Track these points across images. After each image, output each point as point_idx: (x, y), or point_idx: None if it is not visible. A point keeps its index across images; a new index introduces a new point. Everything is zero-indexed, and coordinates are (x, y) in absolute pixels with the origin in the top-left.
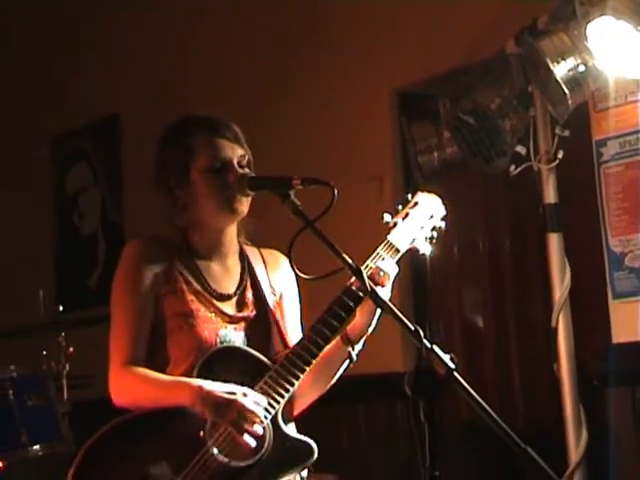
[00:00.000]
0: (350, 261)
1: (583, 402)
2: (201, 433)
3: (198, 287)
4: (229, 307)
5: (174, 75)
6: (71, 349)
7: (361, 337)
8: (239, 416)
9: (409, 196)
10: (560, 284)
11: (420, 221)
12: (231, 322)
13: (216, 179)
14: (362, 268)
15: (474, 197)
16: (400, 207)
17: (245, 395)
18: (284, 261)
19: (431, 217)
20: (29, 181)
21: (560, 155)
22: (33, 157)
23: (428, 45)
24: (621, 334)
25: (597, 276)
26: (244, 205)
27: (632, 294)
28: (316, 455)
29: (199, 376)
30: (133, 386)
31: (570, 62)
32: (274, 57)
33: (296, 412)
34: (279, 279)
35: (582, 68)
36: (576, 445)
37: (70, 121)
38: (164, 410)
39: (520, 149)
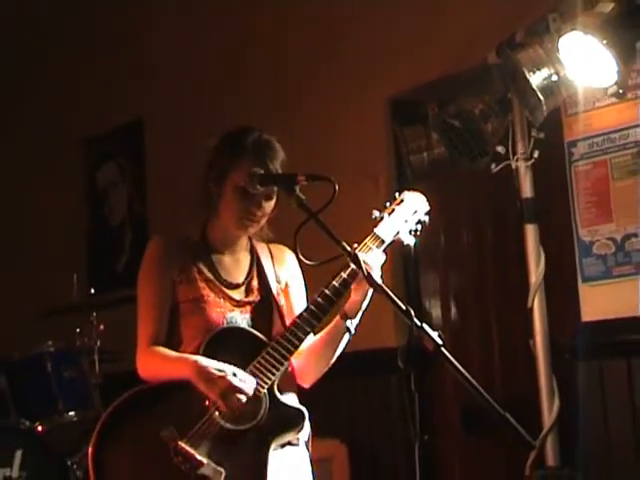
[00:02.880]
0: (348, 248)
1: (556, 374)
2: (206, 402)
3: (210, 276)
4: (237, 294)
5: (194, 83)
6: (102, 327)
7: (356, 312)
8: (227, 390)
9: (396, 194)
10: (535, 269)
11: (404, 216)
12: (238, 306)
13: (241, 201)
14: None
15: (459, 191)
16: (388, 204)
17: (234, 374)
18: (289, 254)
19: (415, 212)
20: (65, 178)
21: (536, 154)
22: (68, 156)
23: (418, 57)
24: (589, 313)
25: (568, 262)
26: (255, 228)
27: (599, 278)
28: (306, 420)
29: (205, 352)
30: (153, 363)
31: (544, 72)
32: (285, 70)
33: (306, 384)
34: (285, 270)
35: (555, 77)
36: (549, 412)
37: (100, 124)
38: (175, 382)
39: (500, 149)
